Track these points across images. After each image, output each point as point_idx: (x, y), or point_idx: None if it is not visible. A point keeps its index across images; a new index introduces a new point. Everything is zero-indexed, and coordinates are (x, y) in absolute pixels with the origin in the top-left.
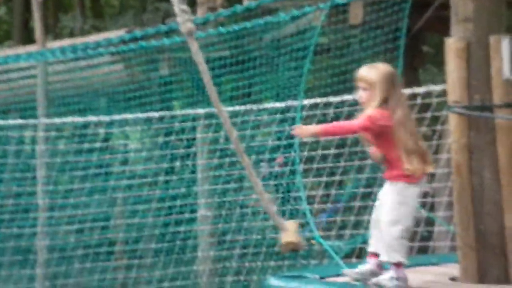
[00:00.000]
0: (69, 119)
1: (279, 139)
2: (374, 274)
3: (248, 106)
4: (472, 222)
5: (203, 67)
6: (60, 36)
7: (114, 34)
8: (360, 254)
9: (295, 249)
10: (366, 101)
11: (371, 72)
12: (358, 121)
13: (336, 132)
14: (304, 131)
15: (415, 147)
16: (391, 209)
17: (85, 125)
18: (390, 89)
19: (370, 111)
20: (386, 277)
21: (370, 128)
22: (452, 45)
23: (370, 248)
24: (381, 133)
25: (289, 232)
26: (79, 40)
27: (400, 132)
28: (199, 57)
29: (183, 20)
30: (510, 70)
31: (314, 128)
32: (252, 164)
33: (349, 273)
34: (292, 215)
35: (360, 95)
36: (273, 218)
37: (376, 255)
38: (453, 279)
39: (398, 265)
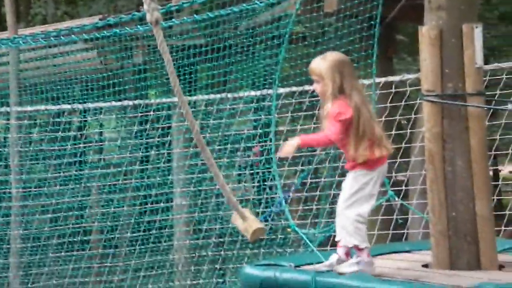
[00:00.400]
0: (42, 107)
1: (255, 127)
2: (342, 262)
3: (224, 95)
4: (444, 210)
5: (167, 57)
6: (32, 23)
7: (87, 21)
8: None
9: (262, 235)
10: (321, 93)
11: (320, 64)
12: (329, 132)
13: (315, 145)
14: (287, 149)
15: (368, 133)
16: (347, 194)
17: (59, 113)
18: (341, 77)
19: (330, 117)
20: (346, 263)
21: (342, 135)
22: (425, 33)
23: (337, 237)
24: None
25: (253, 220)
26: (51, 27)
27: (355, 118)
28: (164, 47)
29: (150, 8)
30: (482, 58)
31: (295, 142)
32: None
33: (319, 267)
34: (268, 204)
35: (315, 87)
36: (236, 209)
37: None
38: (425, 265)
39: (359, 249)
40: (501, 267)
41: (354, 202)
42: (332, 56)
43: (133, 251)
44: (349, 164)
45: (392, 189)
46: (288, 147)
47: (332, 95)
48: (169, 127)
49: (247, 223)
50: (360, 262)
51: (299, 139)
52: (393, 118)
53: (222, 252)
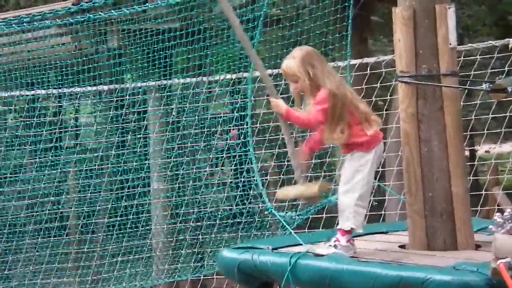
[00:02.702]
0: (17, 92)
1: (231, 111)
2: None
3: (200, 78)
4: (420, 189)
5: (235, 23)
6: (5, 8)
7: (61, 6)
8: (312, 225)
9: (328, 189)
10: (303, 90)
11: (291, 64)
12: (312, 117)
13: (294, 122)
14: (276, 106)
15: (345, 117)
16: (345, 178)
17: (34, 99)
18: (313, 69)
19: (316, 102)
20: (324, 245)
21: (322, 121)
22: (399, 14)
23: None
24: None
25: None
26: (24, 12)
27: (330, 104)
28: (229, 13)
29: None
30: (456, 38)
31: (282, 108)
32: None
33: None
34: (245, 187)
35: (294, 88)
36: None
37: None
38: (402, 246)
39: (343, 232)
40: (477, 246)
41: (353, 186)
42: (299, 52)
43: (110, 236)
44: (348, 147)
45: None
46: (275, 107)
47: (312, 87)
48: (145, 112)
49: (305, 187)
50: (338, 245)
51: (285, 110)
52: (369, 99)
53: (200, 236)
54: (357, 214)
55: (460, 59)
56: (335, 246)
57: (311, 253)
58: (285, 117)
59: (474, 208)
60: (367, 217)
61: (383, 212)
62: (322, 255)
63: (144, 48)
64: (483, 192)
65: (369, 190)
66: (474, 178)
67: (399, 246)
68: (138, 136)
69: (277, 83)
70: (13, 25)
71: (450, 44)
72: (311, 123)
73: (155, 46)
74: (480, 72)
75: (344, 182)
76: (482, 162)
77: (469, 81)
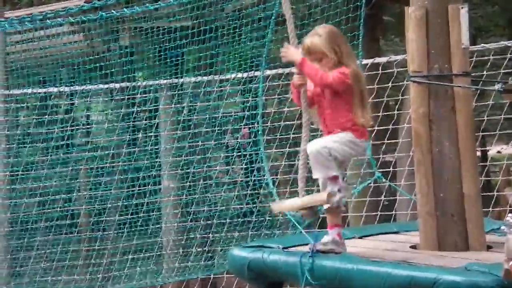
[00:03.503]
0: (29, 90)
1: (242, 109)
2: (336, 243)
3: (211, 77)
4: (431, 190)
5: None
6: (18, 6)
7: (73, 4)
8: (322, 224)
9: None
10: (327, 68)
11: (317, 40)
12: (331, 76)
13: (310, 74)
14: (289, 54)
15: (364, 101)
16: (324, 141)
17: (46, 97)
18: (339, 47)
19: (339, 70)
20: (323, 241)
21: (340, 86)
22: (411, 14)
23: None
24: (341, 92)
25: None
26: (37, 10)
27: (355, 83)
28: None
29: None
30: (468, 38)
31: (297, 56)
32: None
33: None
34: (256, 186)
35: (319, 67)
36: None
37: (333, 225)
38: (413, 246)
39: (332, 226)
40: (489, 247)
41: (329, 145)
42: (323, 30)
43: (121, 234)
44: (334, 126)
45: (380, 170)
46: (290, 53)
47: (335, 65)
48: (157, 110)
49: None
50: (334, 241)
51: (302, 59)
52: (380, 99)
53: (210, 235)
54: (329, 166)
55: (472, 59)
56: (332, 242)
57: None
58: (299, 65)
59: (485, 209)
60: (378, 217)
61: (394, 212)
62: (323, 251)
63: (156, 46)
64: (495, 193)
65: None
66: (485, 178)
67: (410, 246)
68: (149, 134)
69: (288, 82)
70: (26, 22)
71: (463, 44)
72: (326, 78)
73: (167, 44)
74: (492, 72)
75: (320, 143)
76: (494, 163)
77: (481, 82)
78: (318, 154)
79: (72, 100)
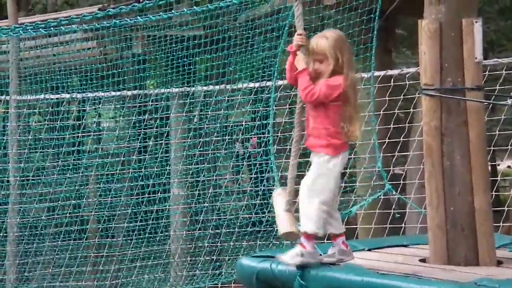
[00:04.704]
0: (41, 96)
1: (253, 119)
2: (343, 252)
3: (222, 86)
4: (442, 203)
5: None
6: (32, 12)
7: (87, 11)
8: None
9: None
10: (322, 73)
11: (323, 43)
12: (317, 90)
13: (300, 86)
14: (298, 60)
15: (355, 114)
16: (310, 180)
17: (58, 103)
18: (342, 55)
19: (328, 82)
20: (290, 253)
21: (326, 99)
22: (425, 27)
23: (328, 231)
24: (327, 103)
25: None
26: (51, 16)
27: (351, 93)
28: (300, 20)
29: None
30: (481, 52)
31: (302, 65)
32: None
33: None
34: (265, 195)
35: (317, 67)
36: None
37: (336, 235)
38: (423, 260)
39: (306, 236)
40: (499, 263)
41: (318, 188)
42: (332, 34)
43: (129, 241)
44: (317, 143)
45: (390, 182)
46: (296, 60)
47: (332, 72)
48: (168, 118)
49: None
50: (305, 253)
51: (303, 68)
52: (391, 111)
53: (218, 244)
54: (319, 219)
55: (485, 73)
56: (301, 255)
57: (278, 259)
58: (297, 73)
59: (495, 224)
60: (388, 229)
61: (403, 225)
62: (287, 263)
63: (168, 54)
64: (505, 208)
65: (333, 196)
66: (495, 193)
67: (419, 260)
68: (160, 142)
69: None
70: (40, 29)
71: (476, 58)
72: (311, 97)
73: (179, 53)
74: (505, 87)
75: (307, 185)
76: (504, 178)
77: (493, 96)
78: (309, 208)
79: (84, 107)
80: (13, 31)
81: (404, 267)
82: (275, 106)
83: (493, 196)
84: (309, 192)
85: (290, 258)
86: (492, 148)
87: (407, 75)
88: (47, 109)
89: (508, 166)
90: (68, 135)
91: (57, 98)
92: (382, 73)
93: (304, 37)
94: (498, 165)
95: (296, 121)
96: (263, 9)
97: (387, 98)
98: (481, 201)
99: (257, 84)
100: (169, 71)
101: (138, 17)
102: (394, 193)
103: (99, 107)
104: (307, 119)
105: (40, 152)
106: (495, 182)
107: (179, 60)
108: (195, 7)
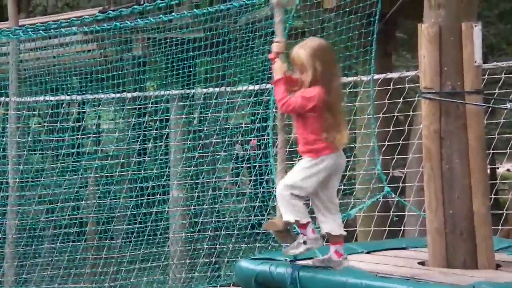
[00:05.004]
0: (41, 98)
1: (252, 121)
2: (331, 261)
3: (222, 88)
4: (441, 207)
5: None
6: (32, 14)
7: (88, 13)
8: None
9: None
10: (304, 81)
11: (300, 53)
12: (292, 102)
13: (276, 96)
14: (276, 68)
15: (341, 120)
16: (285, 181)
17: (58, 104)
18: (320, 65)
19: (304, 93)
20: (293, 244)
21: (302, 110)
22: (424, 30)
23: (322, 231)
24: (305, 113)
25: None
26: (52, 18)
27: (330, 104)
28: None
29: None
30: (481, 56)
31: (278, 74)
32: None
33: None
34: (265, 198)
35: (300, 77)
36: None
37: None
38: (421, 263)
39: (302, 226)
40: (498, 266)
41: (296, 181)
42: (311, 43)
43: (128, 243)
44: (303, 148)
45: (389, 185)
46: (274, 68)
47: (311, 83)
48: (167, 120)
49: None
50: (307, 240)
51: (279, 77)
52: (391, 114)
53: (217, 246)
54: (297, 207)
55: (484, 77)
56: (304, 243)
57: (286, 257)
58: (273, 82)
59: (494, 227)
60: (387, 232)
61: (402, 228)
62: (295, 254)
63: (168, 56)
64: (504, 211)
65: (311, 190)
66: (494, 196)
67: (418, 263)
68: (159, 144)
69: None
70: (41, 31)
71: (475, 62)
72: (287, 107)
73: (179, 55)
74: (504, 91)
75: (288, 177)
76: (503, 181)
77: (493, 100)
78: (281, 197)
79: (83, 109)
80: (13, 33)
81: (403, 270)
82: (274, 109)
83: (492, 199)
84: (285, 184)
85: (294, 249)
86: (491, 151)
87: (406, 78)
88: (47, 111)
89: (507, 169)
90: (68, 137)
91: (57, 100)
92: (382, 76)
93: (282, 44)
94: (497, 168)
95: (279, 126)
96: (263, 11)
97: (386, 101)
98: (480, 205)
99: (257, 87)
100: (169, 73)
101: (139, 19)
102: (393, 195)
103: (99, 109)
104: (295, 129)
105: (40, 154)
106: (494, 185)
107: (179, 62)
108: (195, 9)
